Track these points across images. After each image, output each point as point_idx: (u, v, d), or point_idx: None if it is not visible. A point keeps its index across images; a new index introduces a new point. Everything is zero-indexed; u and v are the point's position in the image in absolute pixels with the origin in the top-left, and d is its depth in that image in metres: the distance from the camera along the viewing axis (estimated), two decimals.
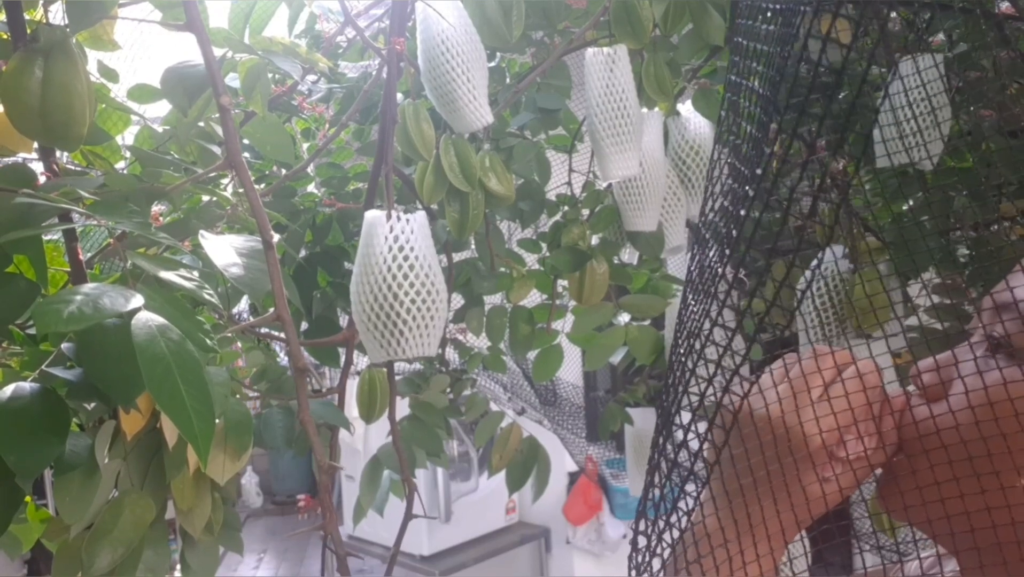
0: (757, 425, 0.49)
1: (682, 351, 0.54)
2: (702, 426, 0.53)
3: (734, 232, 0.49)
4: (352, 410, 1.12)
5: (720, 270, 0.51)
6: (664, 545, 0.53)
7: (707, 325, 0.51)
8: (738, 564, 0.49)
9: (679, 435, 0.54)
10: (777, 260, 0.48)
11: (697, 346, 0.51)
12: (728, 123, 0.58)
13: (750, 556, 0.49)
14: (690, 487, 0.52)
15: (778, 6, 0.50)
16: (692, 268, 0.59)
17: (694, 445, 0.53)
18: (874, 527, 0.97)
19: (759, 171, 0.47)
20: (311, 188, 1.22)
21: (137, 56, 0.98)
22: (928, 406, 0.49)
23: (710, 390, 0.51)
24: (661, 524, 0.53)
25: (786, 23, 0.48)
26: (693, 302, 0.55)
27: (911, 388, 0.52)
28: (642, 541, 0.55)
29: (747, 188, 0.49)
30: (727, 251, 0.50)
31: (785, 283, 0.47)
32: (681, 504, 0.53)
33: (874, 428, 0.50)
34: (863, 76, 0.49)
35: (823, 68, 0.42)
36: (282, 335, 0.71)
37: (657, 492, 0.55)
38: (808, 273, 0.92)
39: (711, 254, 0.54)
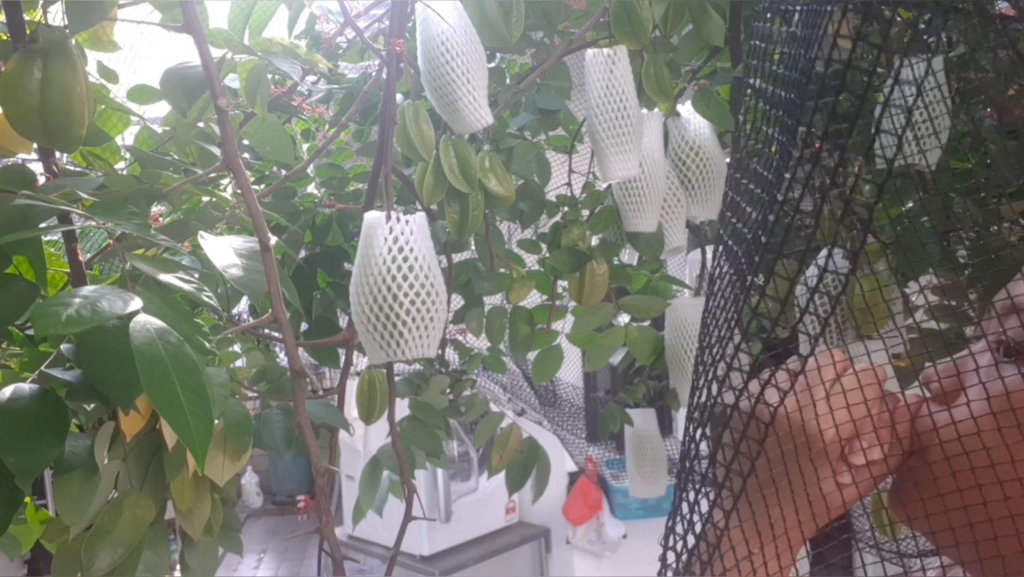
0: (778, 432, 0.49)
1: (708, 360, 0.54)
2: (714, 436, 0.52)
3: (762, 238, 0.48)
4: (352, 411, 1.12)
5: (750, 278, 0.50)
6: (695, 559, 0.52)
7: (735, 335, 0.50)
8: (763, 575, 0.49)
9: (705, 447, 0.53)
10: (793, 262, 0.48)
11: (726, 354, 0.51)
12: (748, 127, 0.58)
13: (774, 567, 0.49)
14: (717, 498, 0.52)
15: (799, 7, 0.50)
16: (715, 275, 0.59)
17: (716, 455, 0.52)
18: (872, 526, 0.97)
19: (787, 175, 0.47)
20: (311, 189, 1.22)
21: (137, 57, 0.98)
22: (948, 411, 0.48)
23: (720, 396, 0.51)
24: (692, 539, 0.53)
25: (808, 25, 0.48)
26: (718, 310, 0.55)
27: (916, 391, 0.52)
28: (671, 557, 0.54)
29: (776, 193, 0.48)
30: (755, 257, 0.49)
31: (795, 283, 0.47)
32: (711, 517, 0.52)
33: (889, 433, 0.50)
34: (895, 76, 0.48)
35: (849, 68, 0.41)
36: (281, 336, 0.71)
37: (685, 506, 0.54)
38: (812, 273, 0.92)
39: (733, 261, 0.54)
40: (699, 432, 0.54)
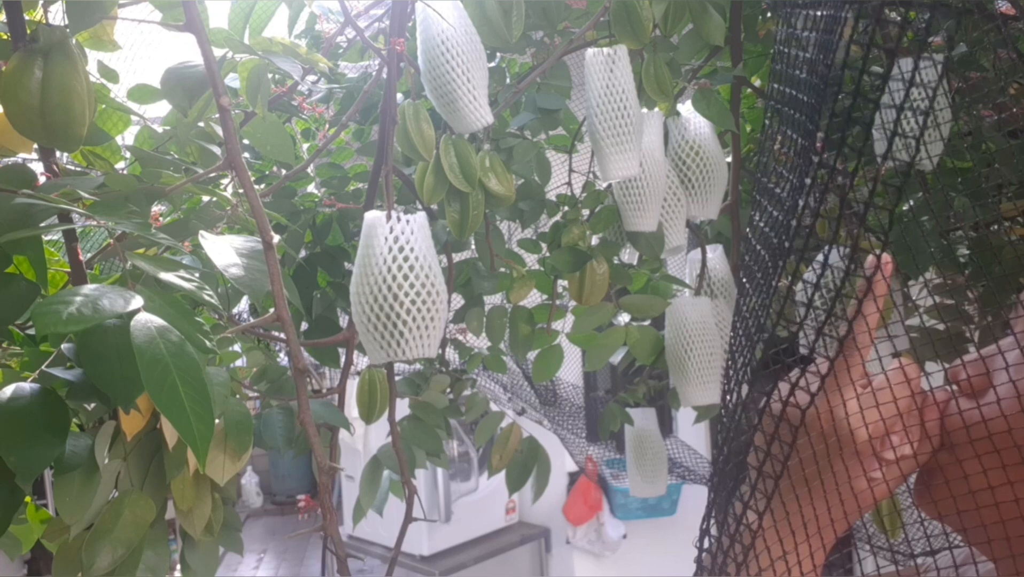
0: (811, 433, 0.49)
1: (739, 363, 0.54)
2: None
3: (785, 243, 0.48)
4: (352, 410, 1.12)
5: (774, 283, 0.50)
6: (731, 561, 0.52)
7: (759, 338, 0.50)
8: (797, 575, 0.49)
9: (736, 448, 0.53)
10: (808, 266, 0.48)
11: (751, 359, 0.51)
12: (772, 131, 0.58)
13: (808, 566, 0.49)
14: (750, 500, 0.52)
15: (820, 13, 0.50)
16: (743, 278, 0.59)
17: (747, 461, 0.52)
18: (868, 526, 0.97)
19: (808, 180, 0.47)
20: (311, 188, 1.22)
21: (137, 56, 0.98)
22: (978, 408, 0.47)
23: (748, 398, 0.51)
24: (726, 541, 0.53)
25: (827, 30, 0.48)
26: (748, 313, 0.55)
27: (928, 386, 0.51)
28: (706, 559, 0.54)
29: (798, 199, 0.48)
30: (780, 262, 0.49)
31: (794, 283, 0.47)
32: (745, 519, 0.52)
33: (918, 429, 0.49)
34: (910, 79, 0.48)
35: (863, 74, 0.41)
36: (282, 335, 0.71)
37: (719, 508, 0.54)
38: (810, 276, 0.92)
39: (760, 265, 0.54)
40: (729, 434, 0.54)
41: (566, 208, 1.14)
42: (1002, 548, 0.47)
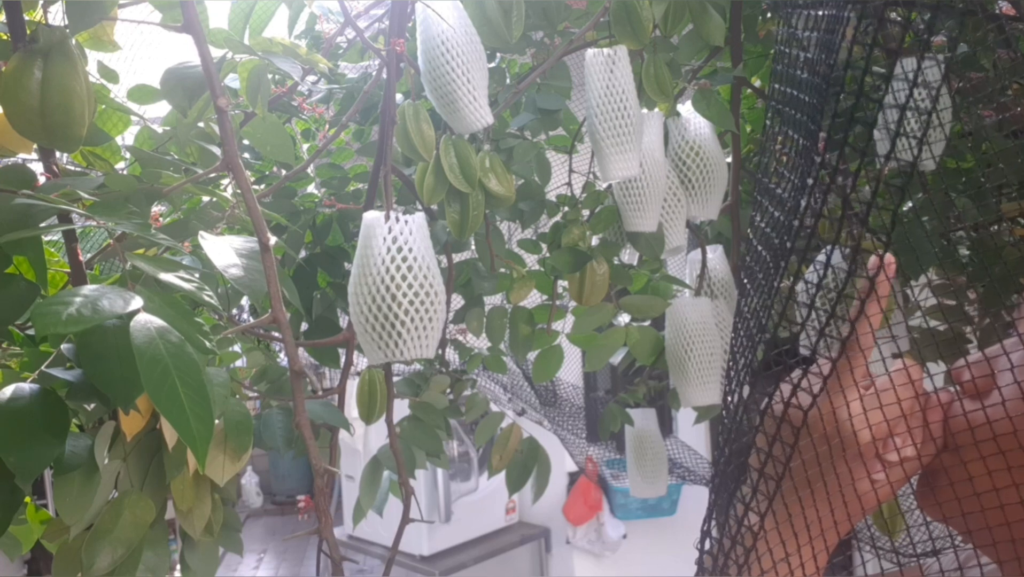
0: (813, 434, 0.48)
1: (740, 363, 0.54)
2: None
3: (787, 243, 0.48)
4: (352, 410, 1.12)
5: (775, 283, 0.50)
6: (732, 563, 0.52)
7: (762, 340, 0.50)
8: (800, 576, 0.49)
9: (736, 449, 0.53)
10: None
11: (753, 359, 0.51)
12: (773, 131, 0.58)
13: (811, 568, 0.49)
14: (751, 501, 0.51)
15: (821, 13, 0.50)
16: (744, 279, 0.59)
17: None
18: (871, 526, 0.97)
19: (809, 180, 0.47)
20: (311, 189, 1.22)
21: (137, 56, 0.98)
22: (983, 409, 0.47)
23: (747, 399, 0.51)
24: (727, 543, 0.52)
25: (829, 30, 0.48)
26: (749, 315, 0.55)
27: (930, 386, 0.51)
28: (707, 561, 0.54)
29: (800, 199, 0.48)
30: (782, 263, 0.49)
31: (796, 282, 0.47)
32: (746, 521, 0.52)
33: (922, 430, 0.49)
34: (913, 79, 0.48)
35: (867, 73, 0.41)
36: (281, 336, 0.71)
37: (719, 510, 0.54)
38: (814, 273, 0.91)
39: (762, 265, 0.54)
40: (731, 435, 0.53)
41: (566, 208, 1.14)
42: (1007, 551, 0.47)
